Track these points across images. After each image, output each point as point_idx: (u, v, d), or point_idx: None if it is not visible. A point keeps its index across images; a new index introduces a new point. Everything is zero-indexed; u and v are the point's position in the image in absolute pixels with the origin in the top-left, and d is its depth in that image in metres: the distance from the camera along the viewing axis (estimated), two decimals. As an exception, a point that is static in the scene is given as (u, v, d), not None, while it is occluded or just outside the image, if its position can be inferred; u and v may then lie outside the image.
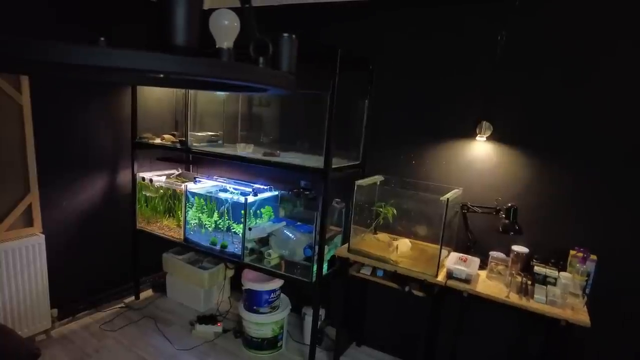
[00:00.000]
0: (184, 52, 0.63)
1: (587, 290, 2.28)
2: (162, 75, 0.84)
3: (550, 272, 2.31)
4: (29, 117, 2.71)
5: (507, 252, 2.49)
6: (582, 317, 2.04)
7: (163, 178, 3.42)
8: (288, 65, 0.80)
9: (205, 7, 1.18)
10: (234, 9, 0.88)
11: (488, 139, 2.57)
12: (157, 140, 3.38)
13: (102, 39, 0.85)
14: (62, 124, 2.96)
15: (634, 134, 2.22)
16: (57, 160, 2.96)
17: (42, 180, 2.84)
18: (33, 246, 2.77)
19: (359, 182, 2.67)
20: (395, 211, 2.75)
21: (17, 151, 2.69)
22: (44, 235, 2.84)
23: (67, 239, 3.12)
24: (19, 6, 2.56)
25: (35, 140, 2.77)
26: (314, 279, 2.68)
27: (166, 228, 3.36)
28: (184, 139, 3.22)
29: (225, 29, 0.96)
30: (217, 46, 0.96)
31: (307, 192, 3.16)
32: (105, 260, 3.43)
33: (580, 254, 2.29)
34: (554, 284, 2.26)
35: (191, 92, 3.25)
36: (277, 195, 3.27)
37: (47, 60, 0.62)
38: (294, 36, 0.81)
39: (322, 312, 3.09)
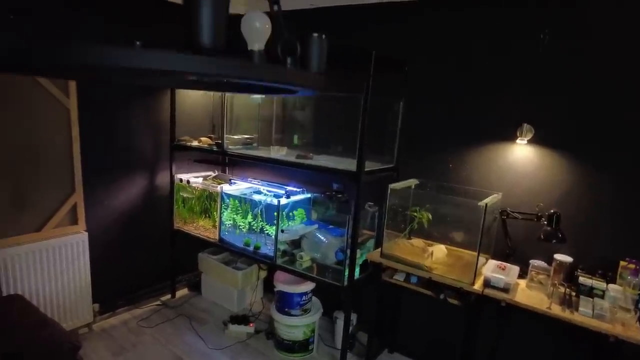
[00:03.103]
0: (211, 53, 0.64)
1: None
2: (193, 77, 0.85)
3: (598, 283, 2.17)
4: (75, 121, 2.85)
5: (549, 261, 2.36)
6: (634, 333, 1.90)
7: (200, 179, 3.50)
8: (318, 65, 0.79)
9: (240, 11, 1.19)
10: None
11: (529, 142, 2.46)
12: (195, 143, 3.47)
13: (138, 43, 0.87)
14: (105, 127, 3.10)
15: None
16: (100, 162, 3.10)
17: (86, 181, 2.98)
18: (77, 243, 2.91)
19: (393, 185, 2.62)
20: (430, 216, 2.68)
21: (64, 153, 2.84)
22: (87, 233, 2.97)
23: (108, 238, 3.25)
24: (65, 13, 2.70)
25: (81, 142, 2.90)
26: (345, 283, 2.66)
27: (202, 228, 3.44)
28: (220, 141, 3.29)
29: (257, 31, 0.96)
30: (248, 48, 0.97)
31: (340, 195, 3.13)
32: (143, 258, 3.55)
33: (633, 266, 2.14)
34: (602, 297, 2.13)
35: (227, 95, 3.31)
36: (309, 197, 3.27)
37: (84, 63, 0.63)
38: (323, 36, 0.80)
39: (354, 317, 3.06)
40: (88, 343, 2.94)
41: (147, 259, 3.58)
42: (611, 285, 2.14)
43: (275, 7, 0.77)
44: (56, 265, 2.81)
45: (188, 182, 3.45)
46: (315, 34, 0.80)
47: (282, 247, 2.99)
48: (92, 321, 3.11)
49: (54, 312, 2.82)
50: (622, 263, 2.18)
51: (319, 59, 0.79)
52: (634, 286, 2.08)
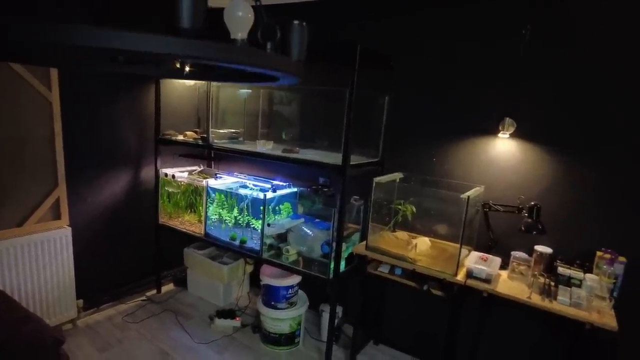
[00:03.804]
0: (190, 35, 0.64)
1: (615, 294, 2.19)
2: (175, 61, 0.85)
3: (575, 273, 2.23)
4: (58, 114, 2.80)
5: (530, 252, 2.42)
6: (608, 320, 1.96)
7: (185, 174, 3.48)
8: (298, 53, 0.80)
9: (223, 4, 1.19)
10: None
11: (511, 135, 2.51)
12: (180, 137, 3.45)
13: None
14: (88, 121, 3.06)
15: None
16: (83, 156, 3.06)
17: (70, 175, 2.94)
18: (60, 238, 2.87)
19: (377, 179, 2.65)
20: (414, 209, 2.72)
21: (47, 146, 2.79)
22: (70, 228, 2.94)
23: (92, 233, 3.21)
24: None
25: (63, 136, 2.86)
26: (331, 275, 2.68)
27: (187, 223, 3.42)
28: (205, 135, 3.27)
29: (239, 19, 0.97)
30: (231, 37, 0.97)
31: (326, 189, 3.15)
32: (128, 253, 3.52)
33: (608, 256, 2.21)
34: (579, 286, 2.19)
35: (213, 89, 3.30)
36: (296, 192, 3.28)
37: (66, 43, 0.63)
38: (304, 23, 0.81)
39: (339, 309, 3.08)
40: (72, 339, 2.91)
41: (132, 254, 3.55)
42: (588, 275, 2.20)
43: (255, -6, 0.78)
44: (38, 261, 2.77)
45: (173, 176, 3.43)
46: (296, 21, 0.81)
47: (268, 241, 3.00)
48: (76, 317, 3.07)
49: (37, 308, 2.79)
50: (598, 253, 2.24)
51: (300, 47, 0.80)
52: (609, 275, 2.14)
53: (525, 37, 2.43)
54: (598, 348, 2.08)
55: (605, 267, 2.19)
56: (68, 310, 2.99)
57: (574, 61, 2.31)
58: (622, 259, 2.20)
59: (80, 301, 3.11)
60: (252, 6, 0.80)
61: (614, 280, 2.16)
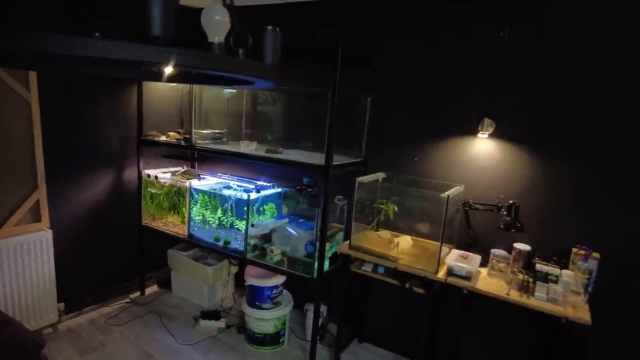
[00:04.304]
0: (160, 43, 0.65)
1: (590, 289, 2.26)
2: (146, 66, 0.86)
3: (552, 270, 2.29)
4: (37, 115, 2.76)
5: (509, 249, 2.48)
6: (582, 315, 2.02)
7: (168, 175, 3.46)
8: (272, 57, 0.81)
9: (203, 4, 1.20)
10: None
11: (490, 136, 2.56)
12: (163, 138, 3.43)
13: (97, 34, 0.88)
14: (69, 122, 3.02)
15: (635, 136, 2.20)
16: (64, 157, 3.02)
17: (50, 176, 2.90)
18: (40, 241, 2.83)
19: (360, 179, 2.67)
20: (396, 208, 2.76)
21: (25, 148, 2.75)
22: (51, 231, 2.90)
23: (74, 235, 3.17)
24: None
25: (43, 137, 2.82)
26: (314, 275, 2.70)
27: (171, 224, 3.40)
28: (188, 136, 3.26)
29: (216, 24, 0.98)
30: (209, 41, 0.98)
31: (310, 189, 3.17)
32: (111, 255, 3.49)
33: (582, 252, 2.28)
34: (556, 282, 2.24)
35: (196, 90, 3.29)
36: (280, 192, 3.29)
37: (42, 50, 0.64)
38: (277, 29, 0.82)
39: (324, 308, 3.11)
40: (53, 343, 2.88)
41: (115, 256, 3.52)
42: (564, 271, 2.26)
43: (228, 1, 0.79)
44: (17, 264, 2.72)
45: (156, 177, 3.40)
46: (270, 27, 0.83)
47: (252, 242, 3.00)
48: (58, 321, 3.03)
49: (16, 312, 2.74)
50: (574, 250, 2.31)
51: (274, 51, 0.82)
52: (583, 271, 2.21)
53: (503, 38, 2.48)
54: (573, 341, 2.15)
55: (580, 263, 2.25)
56: (49, 314, 2.95)
57: (551, 63, 2.37)
58: (595, 255, 2.27)
59: (62, 304, 3.07)
60: (225, 5, 0.81)
61: (588, 276, 2.22)
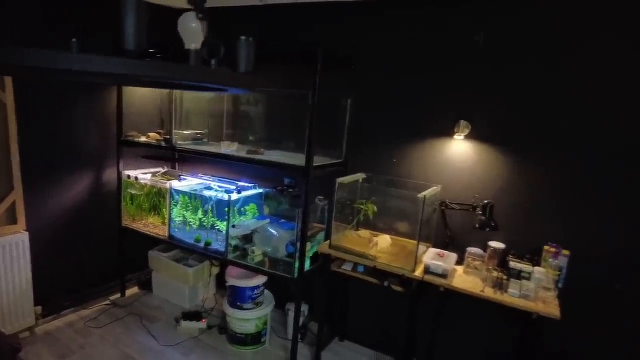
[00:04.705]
0: (134, 56, 0.68)
1: (560, 285, 2.34)
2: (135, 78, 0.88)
3: (525, 267, 2.36)
4: (12, 116, 2.72)
5: (485, 248, 2.55)
6: (552, 310, 2.10)
7: (149, 176, 3.44)
8: (245, 66, 0.84)
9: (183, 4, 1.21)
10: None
11: (466, 137, 2.63)
12: (143, 139, 3.41)
13: (74, 40, 0.89)
14: (47, 123, 2.98)
15: (603, 138, 2.29)
16: (42, 159, 2.97)
17: (27, 178, 2.86)
18: (17, 244, 2.79)
19: (340, 179, 2.71)
20: (375, 208, 2.80)
21: (1, 149, 2.70)
22: (28, 233, 2.85)
23: (52, 237, 3.13)
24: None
25: (20, 138, 2.78)
26: (296, 275, 2.73)
27: (151, 226, 3.39)
28: (169, 137, 3.25)
29: (193, 31, 1.00)
30: (185, 47, 1.00)
31: (291, 190, 3.20)
32: (91, 257, 3.45)
33: (554, 250, 2.36)
34: (529, 279, 2.32)
35: (176, 91, 3.27)
36: (261, 193, 3.31)
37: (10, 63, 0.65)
38: (251, 39, 0.85)
39: (305, 308, 3.14)
40: (31, 347, 2.83)
41: (94, 258, 3.48)
42: (536, 268, 2.34)
43: (200, 16, 0.82)
44: (-7, 267, 2.68)
45: (136, 178, 3.38)
46: (243, 37, 0.85)
47: (234, 243, 3.01)
48: (35, 324, 2.99)
49: (-8, 316, 2.70)
50: (545, 248, 2.39)
51: (247, 60, 0.85)
52: (554, 268, 2.29)
53: (479, 43, 2.55)
54: (545, 335, 2.23)
55: (551, 260, 2.34)
56: (25, 318, 2.90)
57: (525, 66, 2.44)
58: (566, 252, 2.36)
59: (39, 308, 3.02)
60: (199, 18, 0.83)
61: (559, 272, 2.31)
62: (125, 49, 0.65)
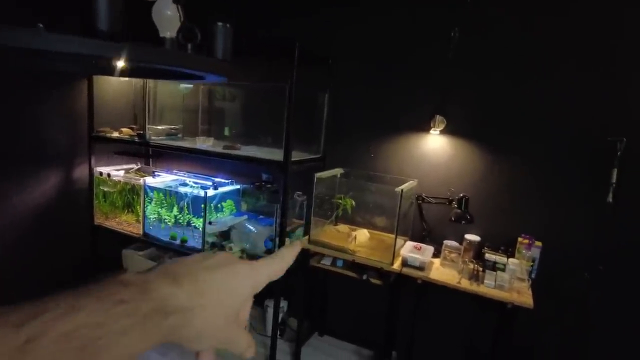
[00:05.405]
0: (108, 37, 0.65)
1: (533, 275, 2.41)
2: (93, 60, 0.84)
3: (500, 258, 2.42)
4: (-27, 109, 2.59)
5: (461, 240, 2.59)
6: (526, 299, 2.16)
7: (121, 172, 3.34)
8: (223, 53, 0.82)
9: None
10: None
11: (442, 132, 2.67)
12: (115, 134, 3.31)
13: (41, 25, 0.85)
14: (11, 118, 2.84)
15: (572, 133, 2.37)
16: (6, 155, 2.84)
17: (-11, 175, 2.73)
18: (-19, 244, 2.66)
19: (319, 174, 2.71)
20: (353, 203, 2.82)
21: (-38, 145, 2.57)
22: (-9, 233, 2.73)
23: (18, 236, 2.99)
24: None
25: (-19, 133, 2.65)
26: (274, 270, 2.70)
27: (125, 223, 3.30)
28: (142, 132, 3.16)
29: (167, 19, 0.97)
30: (160, 35, 0.97)
31: (269, 186, 3.17)
32: (62, 257, 3.32)
33: (527, 241, 2.43)
34: (503, 270, 2.38)
35: (150, 85, 3.20)
36: (238, 189, 3.27)
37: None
38: (228, 25, 0.83)
39: (284, 303, 3.12)
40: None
41: (65, 257, 3.35)
42: (511, 259, 2.40)
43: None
44: (-45, 269, 2.55)
45: (109, 175, 3.28)
46: (220, 23, 0.83)
47: (210, 239, 2.97)
48: None
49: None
50: (519, 239, 2.46)
51: (224, 47, 0.83)
52: (527, 259, 2.36)
53: (454, 39, 2.59)
54: (519, 323, 2.29)
55: (524, 251, 2.40)
56: (-8, 321, 2.77)
57: (497, 62, 2.50)
58: (538, 243, 2.43)
59: (6, 311, 2.90)
60: (175, 2, 0.81)
61: (532, 263, 2.38)
62: (98, 29, 0.62)
